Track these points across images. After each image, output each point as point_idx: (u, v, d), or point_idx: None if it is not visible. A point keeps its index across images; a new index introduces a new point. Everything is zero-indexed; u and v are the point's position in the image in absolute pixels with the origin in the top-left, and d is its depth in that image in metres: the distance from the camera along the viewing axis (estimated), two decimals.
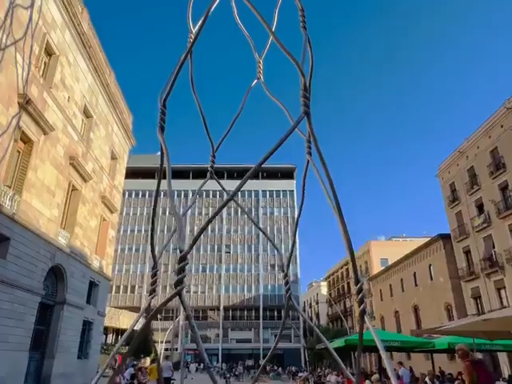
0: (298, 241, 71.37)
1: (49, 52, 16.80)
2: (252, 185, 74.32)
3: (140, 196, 73.01)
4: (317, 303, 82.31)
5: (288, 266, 1.23)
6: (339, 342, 13.32)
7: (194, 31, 1.24)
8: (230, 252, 70.38)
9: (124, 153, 28.06)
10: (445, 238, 35.04)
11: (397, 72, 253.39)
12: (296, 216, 1.45)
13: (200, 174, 66.94)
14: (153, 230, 1.09)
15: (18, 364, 14.42)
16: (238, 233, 71.57)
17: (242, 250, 70.40)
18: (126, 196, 68.53)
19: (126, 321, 46.22)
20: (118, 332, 47.56)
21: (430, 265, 37.12)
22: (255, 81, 1.47)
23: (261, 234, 70.36)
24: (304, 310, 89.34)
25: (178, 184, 70.46)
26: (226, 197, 0.95)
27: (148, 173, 71.35)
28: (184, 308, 0.81)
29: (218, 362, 61.16)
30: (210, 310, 67.95)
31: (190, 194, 72.07)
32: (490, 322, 9.00)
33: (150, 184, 71.52)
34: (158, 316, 54.43)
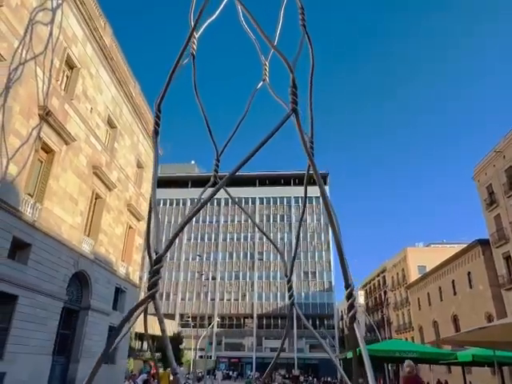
0: (331, 247, 70.18)
1: (70, 65, 17.43)
2: (284, 191, 74.08)
3: (168, 205, 74.84)
4: None
5: (291, 271, 1.17)
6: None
7: (196, 36, 1.27)
8: (262, 259, 70.10)
9: (151, 162, 28.63)
10: (483, 243, 33.20)
11: (441, 78, 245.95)
12: (302, 220, 1.48)
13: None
14: (148, 235, 1.11)
15: (40, 368, 14.83)
16: None
17: (274, 257, 69.91)
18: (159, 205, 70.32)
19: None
20: (154, 339, 48.32)
21: (469, 272, 35.22)
22: (261, 83, 1.47)
23: (293, 240, 69.67)
24: (342, 319, 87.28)
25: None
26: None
27: (177, 182, 72.76)
28: (156, 311, 0.81)
29: (251, 370, 60.71)
30: (245, 317, 67.78)
31: (215, 202, 72.86)
32: (506, 331, 8.30)
33: (179, 193, 73.20)
34: (192, 323, 54.87)
